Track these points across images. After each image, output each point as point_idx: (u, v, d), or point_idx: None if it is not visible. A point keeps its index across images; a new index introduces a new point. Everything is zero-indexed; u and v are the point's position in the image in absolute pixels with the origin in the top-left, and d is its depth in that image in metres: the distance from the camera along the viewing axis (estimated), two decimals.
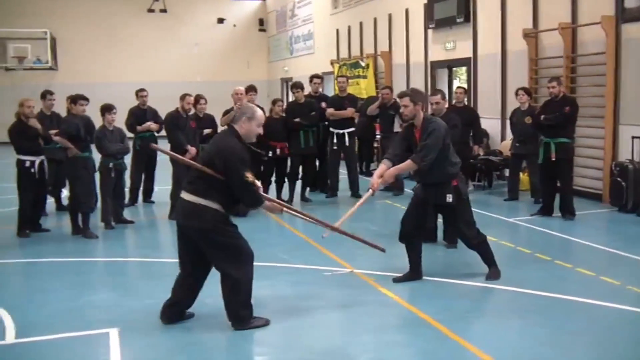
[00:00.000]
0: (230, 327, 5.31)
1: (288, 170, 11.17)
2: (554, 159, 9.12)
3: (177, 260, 5.47)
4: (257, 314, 5.46)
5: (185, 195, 5.22)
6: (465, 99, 11.51)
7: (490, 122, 12.83)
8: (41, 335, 5.34)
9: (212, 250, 5.25)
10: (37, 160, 8.97)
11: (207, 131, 10.35)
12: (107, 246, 8.55)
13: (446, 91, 14.75)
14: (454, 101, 11.18)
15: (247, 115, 5.30)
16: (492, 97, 12.88)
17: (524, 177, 11.11)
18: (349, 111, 11.25)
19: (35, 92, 26.60)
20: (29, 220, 9.10)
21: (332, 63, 19.75)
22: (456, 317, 5.47)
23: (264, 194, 5.45)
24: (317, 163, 11.79)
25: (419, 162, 6.19)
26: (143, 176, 11.22)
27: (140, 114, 11.07)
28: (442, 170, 6.27)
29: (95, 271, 7.54)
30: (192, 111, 10.37)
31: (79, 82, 23.80)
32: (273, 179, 11.10)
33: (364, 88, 17.56)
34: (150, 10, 26.13)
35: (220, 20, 27.18)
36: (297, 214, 6.24)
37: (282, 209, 5.60)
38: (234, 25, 27.44)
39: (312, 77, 12.05)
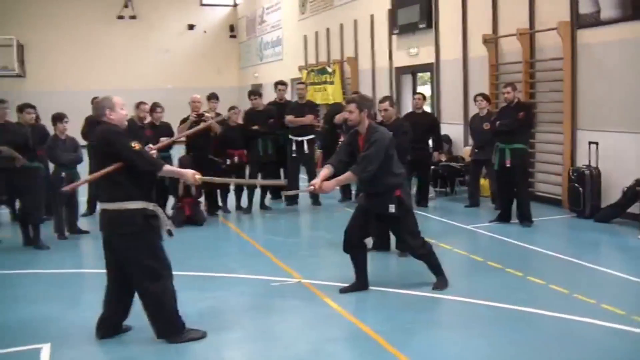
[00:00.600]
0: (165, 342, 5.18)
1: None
2: (508, 165, 9.08)
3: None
4: (197, 326, 5.35)
5: (105, 205, 5.08)
6: (425, 105, 11.42)
7: (453, 128, 12.82)
8: None
9: (131, 265, 5.11)
10: None
11: (163, 139, 10.16)
12: (59, 257, 8.33)
13: (409, 97, 14.78)
14: (412, 108, 11.12)
15: (108, 107, 5.12)
16: (454, 103, 12.85)
17: (485, 183, 11.07)
18: (308, 118, 11.16)
19: (4, 97, 26.25)
20: None
21: (299, 69, 19.68)
22: (398, 329, 5.37)
23: (165, 164, 5.24)
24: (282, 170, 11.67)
25: (358, 173, 6.10)
26: None
27: (93, 121, 10.86)
28: (384, 181, 6.19)
29: (41, 283, 7.32)
30: (148, 119, 10.23)
31: (48, 89, 23.66)
32: (232, 187, 10.98)
33: (330, 94, 17.50)
34: (120, 17, 25.93)
35: (191, 27, 27.03)
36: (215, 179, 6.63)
37: (193, 177, 5.27)
38: (205, 32, 27.29)
39: (276, 84, 11.95)
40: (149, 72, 26.01)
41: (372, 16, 15.71)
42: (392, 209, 6.22)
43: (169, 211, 10.25)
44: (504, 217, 9.36)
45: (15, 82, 24.20)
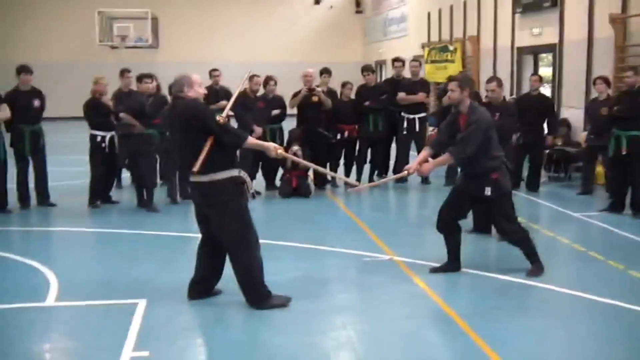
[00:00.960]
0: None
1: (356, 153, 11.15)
2: (624, 153, 8.65)
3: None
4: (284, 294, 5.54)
5: (197, 177, 5.24)
6: (544, 87, 11.01)
7: (573, 112, 12.31)
8: (77, 301, 5.67)
9: (224, 233, 5.32)
10: (108, 135, 9.38)
11: (275, 112, 10.45)
12: (167, 221, 8.78)
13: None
14: (528, 89, 10.78)
15: (186, 84, 5.30)
16: (576, 86, 12.31)
17: (600, 170, 10.59)
18: (420, 96, 11.06)
19: (138, 68, 27.71)
20: (99, 192, 9.55)
21: (422, 46, 19.46)
22: (481, 313, 5.32)
23: (249, 137, 5.42)
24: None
25: (456, 155, 6.05)
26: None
27: (212, 93, 11.30)
28: (482, 163, 6.09)
29: (149, 243, 7.80)
30: (262, 91, 10.51)
31: (179, 61, 24.59)
32: (341, 161, 11.10)
33: (451, 73, 17.21)
34: None
35: (317, 2, 27.27)
36: (301, 161, 6.87)
37: (275, 151, 5.46)
38: (331, 7, 27.47)
39: (393, 60, 11.96)
40: (275, 46, 26.55)
41: None
42: (487, 191, 6.12)
43: (277, 182, 10.55)
44: (616, 207, 8.94)
45: (149, 53, 25.43)
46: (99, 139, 9.36)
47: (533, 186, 10.51)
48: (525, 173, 10.71)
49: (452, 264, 6.41)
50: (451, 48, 17.31)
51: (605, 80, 9.97)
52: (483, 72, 16.21)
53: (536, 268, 6.29)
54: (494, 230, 7.64)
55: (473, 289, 5.99)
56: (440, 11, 18.75)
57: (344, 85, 10.93)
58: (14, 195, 9.36)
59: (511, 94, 13.79)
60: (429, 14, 19.58)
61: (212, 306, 5.52)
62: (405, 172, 6.28)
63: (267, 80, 10.53)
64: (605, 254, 6.96)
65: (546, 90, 14.01)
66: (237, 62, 23.42)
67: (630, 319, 5.23)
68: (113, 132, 9.47)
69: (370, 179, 11.17)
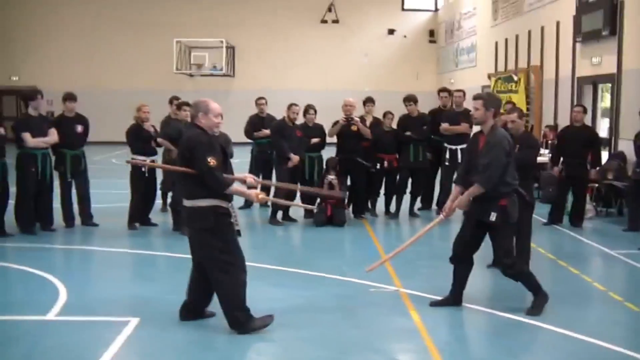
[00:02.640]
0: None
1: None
2: None
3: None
4: (275, 322, 5.60)
5: (184, 202, 5.46)
6: (584, 118, 10.63)
7: (630, 144, 11.78)
8: (75, 316, 5.94)
9: (204, 258, 5.46)
10: (148, 160, 9.70)
11: (314, 140, 10.54)
12: None
13: (590, 109, 13.83)
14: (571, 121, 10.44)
15: (202, 110, 5.44)
16: (633, 117, 11.79)
17: None
18: (463, 127, 10.89)
19: (214, 96, 28.46)
20: (139, 214, 9.88)
21: (489, 76, 19.21)
22: (465, 353, 5.19)
23: (232, 185, 5.46)
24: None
25: (484, 184, 5.91)
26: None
27: (257, 121, 11.53)
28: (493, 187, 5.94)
29: (169, 266, 8.02)
30: (302, 120, 10.64)
31: (254, 88, 25.11)
32: (382, 191, 11.05)
33: (515, 103, 16.89)
34: (324, 21, 27.00)
35: (391, 31, 27.37)
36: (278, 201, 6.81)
37: (256, 197, 5.61)
38: (404, 36, 27.50)
39: (439, 91, 11.90)
40: (348, 75, 26.73)
41: (557, 22, 14.91)
42: (492, 217, 5.95)
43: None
44: None
45: (225, 80, 26.20)
46: None
47: (576, 220, 10.13)
48: (568, 207, 10.35)
49: (453, 298, 6.27)
50: (515, 78, 17.00)
51: None
52: (545, 102, 15.85)
53: (537, 303, 6.04)
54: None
55: (468, 326, 5.84)
56: (506, 41, 18.46)
57: (385, 115, 10.91)
58: (60, 214, 9.83)
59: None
60: (496, 44, 19.32)
61: (201, 328, 5.62)
62: (442, 216, 6.31)
63: (307, 109, 10.66)
64: (625, 295, 6.62)
65: (605, 122, 13.55)
66: (312, 91, 23.83)
67: None
68: (154, 157, 9.81)
69: (411, 210, 11.06)
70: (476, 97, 6.22)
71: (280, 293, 6.58)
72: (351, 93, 23.35)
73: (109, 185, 13.53)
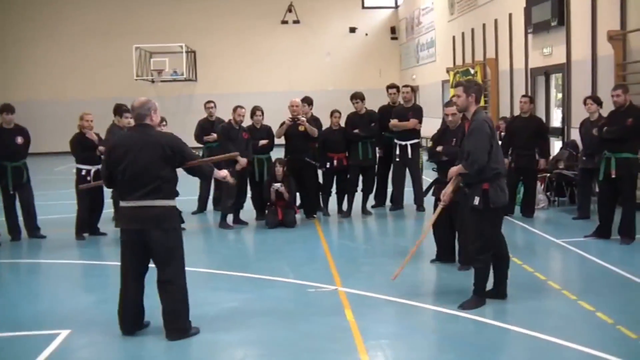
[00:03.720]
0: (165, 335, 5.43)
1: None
2: (613, 176, 8.26)
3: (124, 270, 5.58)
4: (209, 325, 5.65)
5: (148, 202, 5.32)
6: (532, 108, 10.64)
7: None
8: (6, 332, 5.76)
9: (170, 259, 5.39)
10: (93, 169, 9.56)
11: (262, 142, 10.45)
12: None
13: (543, 99, 13.93)
14: (518, 111, 10.46)
15: (153, 108, 5.49)
16: (582, 106, 11.85)
17: None
18: (412, 122, 10.86)
19: (177, 101, 28.29)
20: (86, 224, 9.72)
21: (447, 71, 19.26)
22: (392, 347, 5.17)
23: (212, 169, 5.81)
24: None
25: (468, 167, 5.87)
26: (212, 185, 11.47)
27: (207, 125, 11.42)
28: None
29: (110, 275, 7.83)
30: (249, 122, 10.53)
31: (217, 92, 24.95)
32: (333, 190, 10.98)
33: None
34: (284, 22, 26.94)
35: (352, 30, 27.36)
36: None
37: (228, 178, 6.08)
38: (366, 34, 27.51)
39: (387, 87, 11.82)
40: (312, 75, 26.72)
41: (510, 14, 14.97)
42: (476, 201, 5.89)
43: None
44: (602, 233, 8.51)
45: (188, 85, 26.05)
46: (84, 172, 9.56)
47: (527, 211, 10.15)
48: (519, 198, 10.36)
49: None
50: (472, 71, 17.05)
51: (596, 100, 9.58)
52: (502, 94, 15.90)
53: (473, 301, 5.98)
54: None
55: (401, 323, 5.76)
56: (463, 35, 18.52)
57: (332, 113, 10.83)
58: (4, 227, 9.66)
59: None
60: (453, 38, 19.37)
61: (132, 339, 5.49)
62: (442, 205, 6.25)
63: (254, 110, 10.56)
64: (564, 284, 6.63)
65: (558, 112, 13.62)
66: (276, 92, 23.77)
67: (558, 355, 4.92)
68: (98, 166, 9.64)
69: (364, 207, 10.99)
70: (456, 85, 6.21)
71: (215, 297, 6.49)
72: (315, 92, 23.42)
73: (69, 195, 13.28)
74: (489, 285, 6.14)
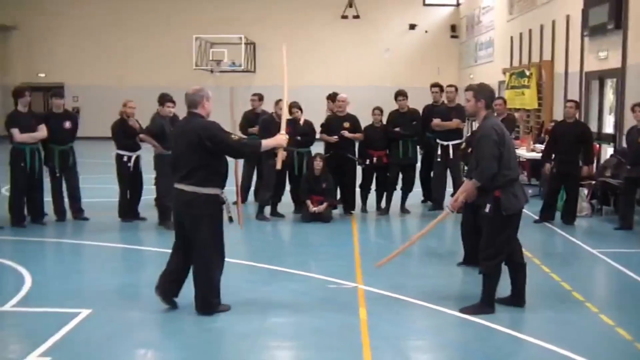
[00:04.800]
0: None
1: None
2: None
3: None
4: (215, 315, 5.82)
5: (182, 186, 5.69)
6: (577, 114, 10.38)
7: None
8: (31, 307, 6.05)
9: (200, 237, 5.69)
10: (134, 155, 9.82)
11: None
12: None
13: (597, 104, 13.57)
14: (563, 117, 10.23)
15: (206, 96, 5.76)
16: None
17: None
18: (455, 122, 10.74)
19: (235, 92, 28.54)
20: (127, 208, 9.98)
21: (504, 72, 18.93)
22: (396, 350, 5.16)
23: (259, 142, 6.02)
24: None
25: (478, 179, 5.79)
26: (255, 176, 11.57)
27: (251, 117, 11.55)
28: None
29: (142, 259, 8.13)
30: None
31: (275, 84, 25.15)
32: (373, 187, 10.97)
33: (527, 98, 16.65)
34: (344, 17, 26.90)
35: (412, 26, 27.12)
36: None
37: (282, 142, 6.05)
38: (426, 31, 27.21)
39: (431, 86, 11.76)
40: (369, 71, 26.63)
41: (567, 16, 14.60)
42: (487, 208, 5.82)
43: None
44: None
45: (246, 76, 26.28)
46: (125, 158, 9.82)
47: (568, 218, 9.92)
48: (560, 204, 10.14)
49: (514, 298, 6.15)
50: (528, 73, 16.69)
51: None
52: (556, 98, 15.54)
53: (478, 307, 5.90)
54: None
55: (412, 324, 5.75)
56: (521, 35, 18.16)
57: (373, 110, 10.81)
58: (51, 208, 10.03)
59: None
60: (511, 39, 19.01)
61: (145, 323, 5.67)
62: (447, 211, 6.14)
63: (292, 106, 10.59)
64: (588, 296, 6.46)
65: (610, 118, 13.24)
66: (333, 87, 23.72)
67: None
68: (139, 152, 9.90)
69: (402, 206, 10.95)
70: (467, 89, 6.14)
71: (236, 287, 6.53)
72: (373, 88, 23.58)
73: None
74: (507, 292, 6.06)
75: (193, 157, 5.62)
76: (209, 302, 5.79)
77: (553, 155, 10.05)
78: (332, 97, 11.33)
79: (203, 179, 5.61)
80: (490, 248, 5.85)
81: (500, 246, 5.84)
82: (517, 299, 6.07)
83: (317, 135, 10.73)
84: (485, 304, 5.90)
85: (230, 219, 6.02)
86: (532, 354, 5.14)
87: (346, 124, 10.57)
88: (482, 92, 5.94)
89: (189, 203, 5.65)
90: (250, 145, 6.13)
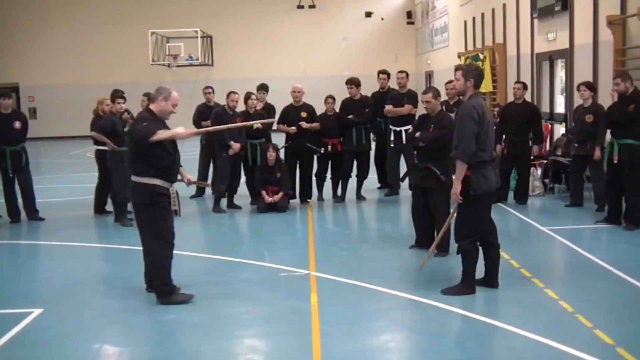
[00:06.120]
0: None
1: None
2: (615, 162, 8.20)
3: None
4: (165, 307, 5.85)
5: (132, 177, 5.96)
6: (525, 95, 10.54)
7: None
8: None
9: (139, 223, 5.99)
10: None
11: (256, 126, 10.47)
12: (135, 234, 8.99)
13: (548, 84, 13.79)
14: (512, 98, 10.37)
15: (164, 95, 5.90)
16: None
17: None
18: (407, 108, 10.83)
19: (195, 87, 28.40)
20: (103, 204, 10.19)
21: (459, 56, 19.09)
22: (342, 331, 5.23)
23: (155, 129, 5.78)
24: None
25: (460, 157, 5.82)
26: (210, 169, 11.57)
27: (205, 110, 11.50)
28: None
29: (96, 257, 8.07)
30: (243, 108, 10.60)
31: (233, 77, 25.10)
32: (328, 175, 11.01)
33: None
34: (300, 7, 26.85)
35: (368, 14, 27.19)
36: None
37: (179, 135, 5.85)
38: (382, 19, 27.32)
39: (378, 73, 11.81)
40: (327, 60, 26.66)
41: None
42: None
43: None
44: (613, 219, 8.43)
45: (204, 70, 26.12)
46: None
47: (520, 198, 10.10)
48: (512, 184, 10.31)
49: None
50: (482, 57, 16.88)
51: (589, 86, 9.49)
52: (510, 80, 15.72)
53: (458, 288, 6.00)
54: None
55: (363, 308, 5.81)
56: (474, 19, 18.34)
57: (326, 99, 10.85)
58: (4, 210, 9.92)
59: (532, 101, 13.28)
60: (465, 23, 19.19)
61: (97, 319, 5.68)
62: (456, 202, 6.04)
63: (248, 95, 10.61)
64: (534, 272, 6.60)
65: (561, 98, 13.48)
66: (291, 77, 23.74)
67: (507, 341, 4.94)
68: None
69: (358, 193, 11.02)
70: (456, 68, 6.23)
71: (187, 279, 6.51)
72: (330, 78, 23.58)
73: (80, 179, 13.68)
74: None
75: (131, 149, 6.00)
76: (157, 289, 5.98)
77: (503, 137, 10.19)
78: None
79: (140, 170, 5.86)
80: (463, 228, 5.97)
81: (473, 226, 5.93)
82: (490, 280, 6.16)
83: (275, 127, 10.75)
84: (466, 285, 5.99)
85: (176, 212, 6.18)
86: (476, 330, 5.23)
87: (303, 114, 10.59)
88: (471, 72, 6.00)
89: (130, 191, 6.06)
90: (139, 131, 5.80)
